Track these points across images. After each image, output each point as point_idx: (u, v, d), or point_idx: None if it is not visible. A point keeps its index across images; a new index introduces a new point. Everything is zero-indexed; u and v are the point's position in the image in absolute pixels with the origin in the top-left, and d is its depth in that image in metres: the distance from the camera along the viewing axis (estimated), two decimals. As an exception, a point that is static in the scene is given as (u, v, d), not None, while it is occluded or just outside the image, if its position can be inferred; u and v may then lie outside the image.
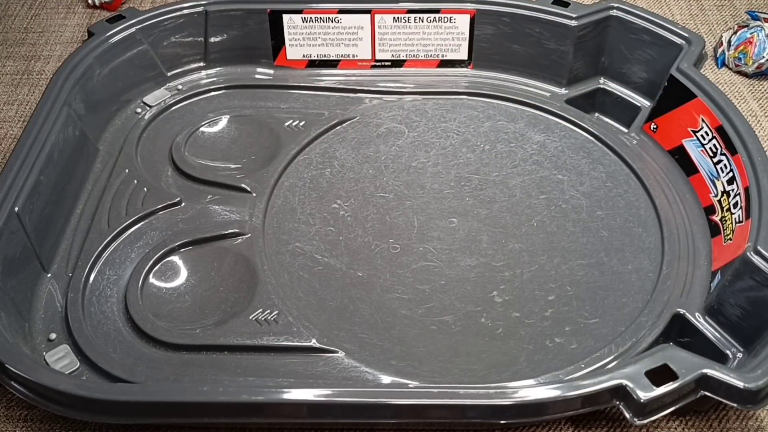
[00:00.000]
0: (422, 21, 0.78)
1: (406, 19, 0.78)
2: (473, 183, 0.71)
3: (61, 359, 0.57)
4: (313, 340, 0.59)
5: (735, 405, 0.50)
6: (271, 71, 0.81)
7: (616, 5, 0.75)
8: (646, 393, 0.48)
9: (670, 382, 0.49)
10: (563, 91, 0.78)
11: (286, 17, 0.78)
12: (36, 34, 0.92)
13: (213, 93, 0.79)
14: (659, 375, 0.49)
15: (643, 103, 0.75)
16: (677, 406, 0.50)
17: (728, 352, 0.57)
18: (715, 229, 0.64)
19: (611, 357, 0.57)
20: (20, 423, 0.57)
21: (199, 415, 0.51)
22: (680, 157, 0.70)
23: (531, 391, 0.49)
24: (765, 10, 0.88)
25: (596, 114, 0.78)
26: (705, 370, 0.49)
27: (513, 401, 0.49)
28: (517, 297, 0.62)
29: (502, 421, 0.50)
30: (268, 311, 0.60)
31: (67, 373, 0.56)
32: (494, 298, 0.62)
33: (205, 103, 0.78)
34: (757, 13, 0.85)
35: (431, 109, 0.77)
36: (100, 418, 0.52)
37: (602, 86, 0.78)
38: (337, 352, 0.58)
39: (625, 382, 0.49)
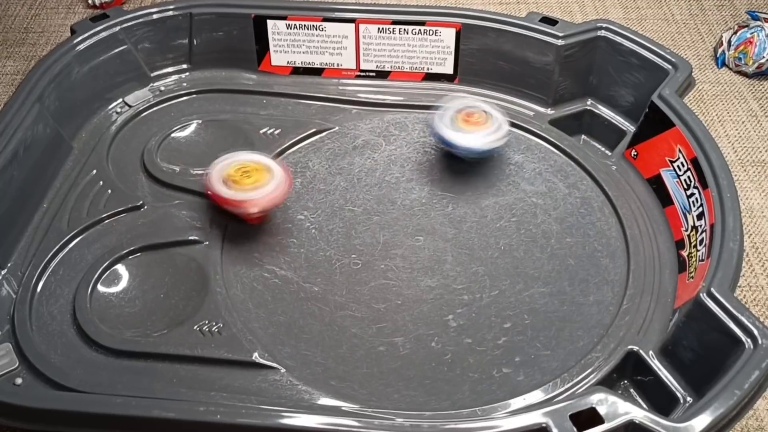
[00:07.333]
0: (407, 33, 0.76)
1: (391, 30, 0.76)
2: (445, 201, 0.69)
3: (1, 358, 0.57)
4: (255, 355, 0.58)
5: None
6: (255, 76, 0.80)
7: (604, 25, 0.72)
8: (567, 436, 0.46)
9: (595, 427, 0.46)
10: (549, 111, 0.76)
11: (270, 23, 0.77)
12: (36, 34, 0.93)
13: (193, 96, 0.78)
14: (586, 418, 0.47)
15: (629, 127, 0.73)
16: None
17: (680, 395, 0.54)
18: (682, 265, 0.62)
19: (557, 392, 0.56)
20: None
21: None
22: (657, 186, 0.67)
23: (447, 425, 0.48)
24: (765, 10, 0.86)
25: (582, 136, 0.76)
26: (632, 417, 0.46)
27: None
28: (472, 322, 0.61)
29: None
30: (213, 322, 0.60)
31: (4, 372, 0.57)
32: (449, 322, 0.61)
33: (184, 105, 0.78)
34: (757, 13, 0.83)
35: (411, 123, 0.76)
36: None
37: (590, 108, 0.75)
38: (277, 368, 0.57)
39: (547, 422, 0.47)
